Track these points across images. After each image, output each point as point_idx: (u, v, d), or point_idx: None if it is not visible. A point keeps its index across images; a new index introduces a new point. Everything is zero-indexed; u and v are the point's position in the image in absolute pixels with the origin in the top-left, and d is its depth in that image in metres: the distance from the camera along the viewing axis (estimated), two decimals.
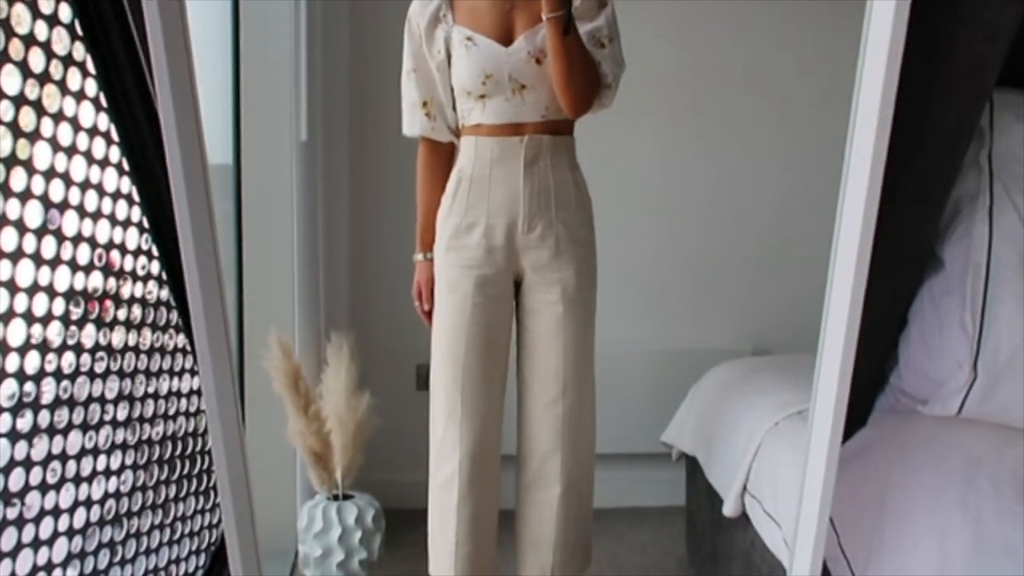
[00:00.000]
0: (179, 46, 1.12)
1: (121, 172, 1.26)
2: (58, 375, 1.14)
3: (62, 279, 1.14)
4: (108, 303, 1.25)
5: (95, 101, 1.20)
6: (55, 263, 1.12)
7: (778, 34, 2.56)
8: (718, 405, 2.03)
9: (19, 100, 1.05)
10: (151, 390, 1.37)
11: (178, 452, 1.47)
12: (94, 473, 1.23)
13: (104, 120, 1.22)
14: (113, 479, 1.29)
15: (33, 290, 1.08)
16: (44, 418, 1.12)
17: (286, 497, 2.18)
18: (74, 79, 1.15)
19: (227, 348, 1.27)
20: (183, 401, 1.47)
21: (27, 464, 1.09)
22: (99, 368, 1.24)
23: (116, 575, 1.30)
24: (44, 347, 1.11)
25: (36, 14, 1.08)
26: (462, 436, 1.72)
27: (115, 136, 1.24)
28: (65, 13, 1.14)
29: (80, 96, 1.16)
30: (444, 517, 1.77)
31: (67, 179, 1.14)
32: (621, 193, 2.53)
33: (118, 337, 1.28)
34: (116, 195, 1.25)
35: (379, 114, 2.46)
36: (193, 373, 1.48)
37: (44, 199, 1.10)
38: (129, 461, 1.33)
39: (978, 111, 1.21)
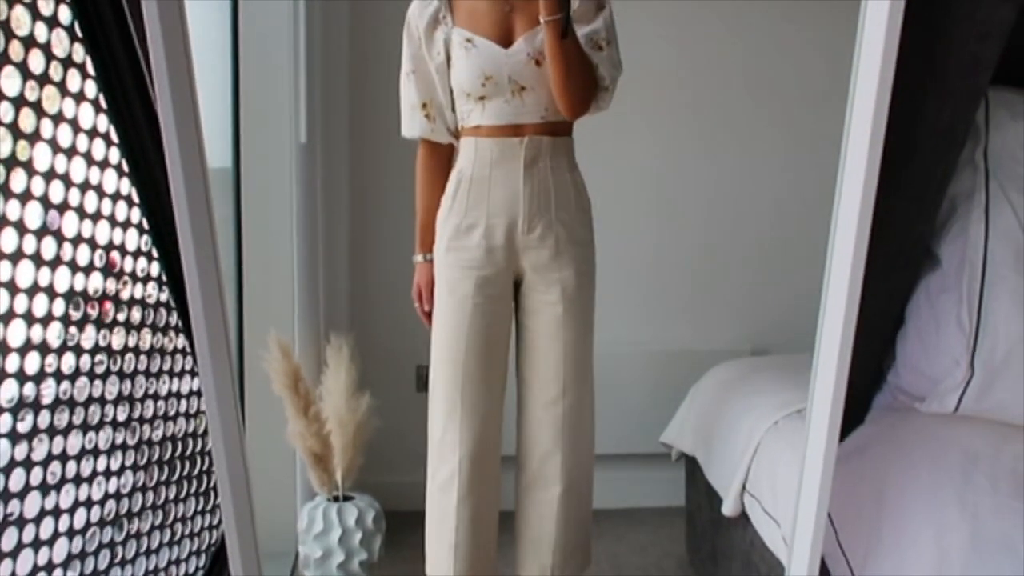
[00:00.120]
0: (179, 48, 1.12)
1: (121, 173, 1.26)
2: (58, 376, 1.15)
3: (62, 280, 1.14)
4: (108, 304, 1.26)
5: (95, 103, 1.20)
6: (55, 264, 1.12)
7: (776, 34, 2.57)
8: (718, 405, 2.03)
9: (19, 102, 1.05)
10: (151, 391, 1.38)
11: (178, 453, 1.47)
12: (94, 474, 1.24)
13: (104, 121, 1.22)
14: (113, 480, 1.29)
15: (33, 291, 1.09)
16: (44, 419, 1.12)
17: (286, 498, 2.18)
18: (74, 81, 1.16)
19: (227, 350, 1.27)
20: (183, 402, 1.47)
21: (27, 464, 1.09)
22: (99, 369, 1.24)
23: (116, 574, 1.30)
24: (44, 348, 1.11)
25: (36, 16, 1.09)
26: (462, 437, 1.73)
27: (115, 137, 1.25)
28: (65, 15, 1.14)
29: (80, 98, 1.17)
30: (443, 518, 1.77)
31: (67, 180, 1.15)
32: (620, 194, 2.53)
33: (118, 338, 1.28)
34: (116, 196, 1.26)
35: (378, 116, 2.47)
36: (193, 374, 1.48)
37: (44, 200, 1.10)
38: (129, 462, 1.33)
39: (973, 110, 1.21)
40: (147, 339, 1.36)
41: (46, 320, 1.12)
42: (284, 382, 1.93)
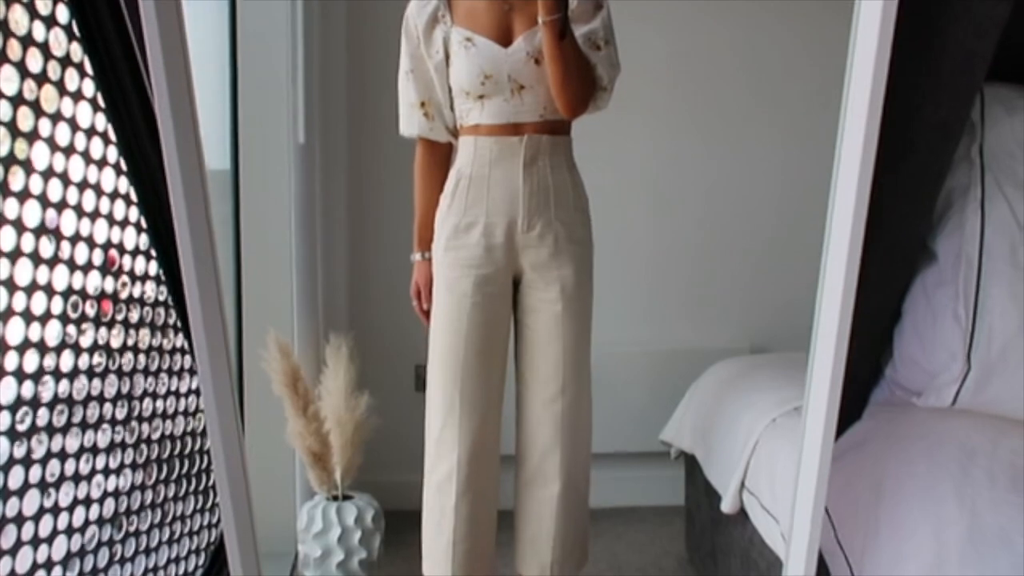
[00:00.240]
0: (176, 49, 1.12)
1: (119, 172, 1.27)
2: (56, 375, 1.15)
3: (60, 279, 1.15)
4: (107, 303, 1.26)
5: (93, 101, 1.21)
6: (53, 262, 1.13)
7: (773, 33, 2.57)
8: (716, 403, 2.04)
9: (17, 100, 1.06)
10: (150, 390, 1.38)
11: (177, 452, 1.47)
12: (93, 472, 1.24)
13: (102, 120, 1.23)
14: (112, 478, 1.29)
15: (31, 289, 1.09)
16: (43, 417, 1.13)
17: (285, 498, 2.18)
18: (72, 80, 1.16)
19: (226, 350, 1.27)
20: (182, 401, 1.48)
21: (26, 463, 1.09)
22: (98, 368, 1.24)
23: (115, 574, 1.31)
24: (42, 346, 1.12)
25: (34, 15, 1.09)
26: (460, 434, 1.73)
27: (113, 136, 1.25)
28: (63, 14, 1.15)
29: (78, 96, 1.17)
30: (441, 516, 1.77)
31: (65, 179, 1.15)
32: (619, 193, 2.54)
33: (116, 337, 1.29)
34: (114, 195, 1.26)
35: (377, 115, 2.48)
36: (192, 373, 1.48)
37: (42, 199, 1.11)
38: (128, 461, 1.33)
39: (968, 105, 1.22)
40: (146, 338, 1.36)
41: (44, 319, 1.12)
42: (283, 381, 1.93)
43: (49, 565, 1.14)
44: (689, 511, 2.27)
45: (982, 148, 1.31)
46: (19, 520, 1.08)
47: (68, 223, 1.16)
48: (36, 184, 1.09)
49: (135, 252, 1.32)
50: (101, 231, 1.23)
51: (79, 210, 1.18)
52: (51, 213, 1.12)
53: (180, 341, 1.44)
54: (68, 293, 1.16)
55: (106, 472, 1.27)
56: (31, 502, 1.11)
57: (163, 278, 1.38)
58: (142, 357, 1.35)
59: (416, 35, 1.72)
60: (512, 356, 1.82)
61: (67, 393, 1.17)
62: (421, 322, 1.85)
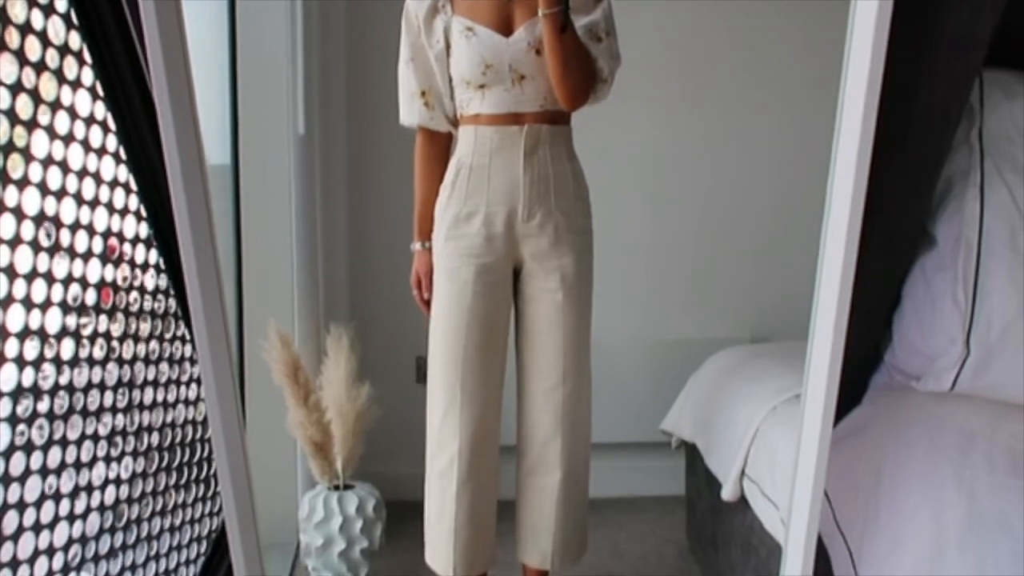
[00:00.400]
0: (175, 45, 1.12)
1: (118, 160, 1.27)
2: (57, 362, 1.15)
3: (60, 266, 1.15)
4: (108, 291, 1.26)
5: (92, 90, 1.21)
6: (53, 250, 1.13)
7: (772, 22, 2.56)
8: (717, 391, 2.04)
9: (16, 88, 1.06)
10: (150, 378, 1.38)
11: (178, 440, 1.48)
12: (94, 459, 1.24)
13: (101, 109, 1.23)
14: (114, 466, 1.30)
15: (32, 277, 1.09)
16: (44, 404, 1.13)
17: (287, 487, 2.19)
18: (71, 68, 1.16)
19: (226, 338, 1.27)
20: (183, 389, 1.48)
21: (27, 449, 1.10)
22: (98, 355, 1.25)
23: (117, 560, 1.31)
24: (43, 334, 1.12)
25: (32, 3, 1.09)
26: (461, 424, 1.73)
27: (112, 125, 1.25)
28: (61, 2, 1.15)
29: (77, 85, 1.17)
30: (442, 505, 1.78)
31: (65, 167, 1.15)
32: (619, 183, 2.53)
33: (117, 325, 1.29)
34: (114, 183, 1.27)
35: (376, 105, 2.47)
36: (193, 362, 1.49)
37: (42, 186, 1.11)
38: (129, 448, 1.34)
39: (967, 89, 1.21)
40: (146, 326, 1.37)
41: (45, 306, 1.12)
42: (284, 371, 1.93)
43: (51, 551, 1.15)
44: (690, 500, 2.27)
45: (981, 133, 1.31)
46: (20, 506, 1.09)
47: (68, 211, 1.16)
48: (36, 172, 1.10)
49: (135, 240, 1.33)
50: (101, 219, 1.23)
51: (79, 198, 1.18)
52: (49, 228, 1.12)
53: (181, 330, 1.45)
54: (68, 281, 1.17)
55: (107, 460, 1.28)
56: (32, 488, 1.11)
57: (163, 267, 1.39)
58: (143, 345, 1.36)
59: (416, 24, 1.72)
60: (513, 346, 1.83)
61: (68, 381, 1.18)
62: (422, 313, 1.85)
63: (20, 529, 1.09)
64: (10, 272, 1.05)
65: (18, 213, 1.06)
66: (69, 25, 1.16)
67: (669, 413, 2.27)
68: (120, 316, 1.29)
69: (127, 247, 1.31)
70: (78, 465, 1.20)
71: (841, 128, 1.08)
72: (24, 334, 1.08)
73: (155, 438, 1.42)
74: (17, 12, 1.07)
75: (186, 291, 1.23)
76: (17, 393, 1.08)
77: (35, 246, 1.10)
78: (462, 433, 1.73)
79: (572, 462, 1.80)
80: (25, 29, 1.07)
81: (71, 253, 1.17)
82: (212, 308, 1.24)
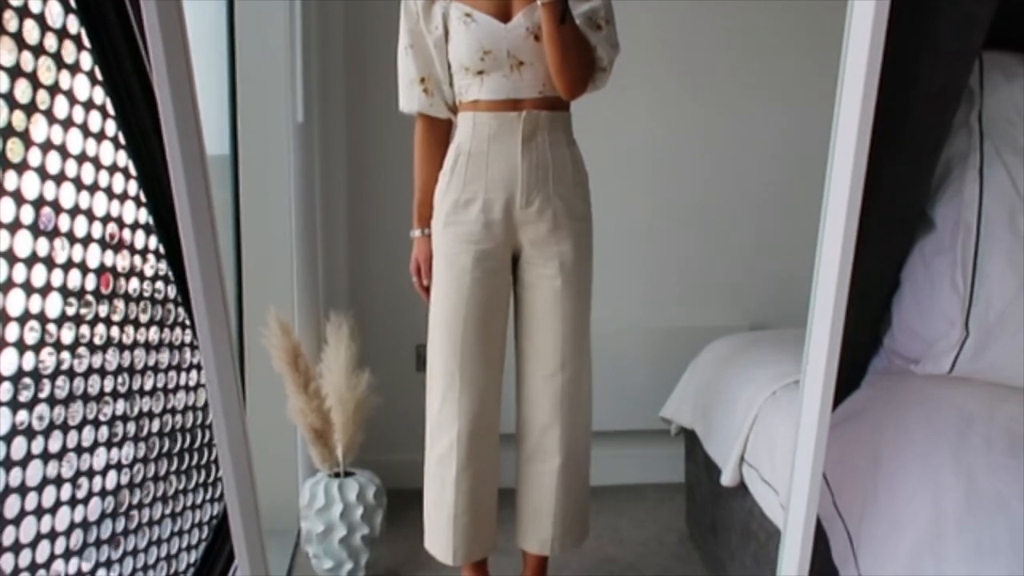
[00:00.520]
0: (175, 27, 1.12)
1: (117, 146, 1.27)
2: (58, 346, 1.15)
3: (60, 251, 1.15)
4: (108, 276, 1.26)
5: (90, 74, 1.20)
6: (53, 235, 1.13)
7: (772, 6, 2.55)
8: (716, 378, 2.04)
9: (15, 72, 1.06)
10: (151, 363, 1.39)
11: (179, 426, 1.48)
12: (95, 444, 1.25)
13: (100, 93, 1.23)
14: (115, 451, 1.30)
15: (31, 261, 1.09)
16: (45, 389, 1.13)
17: (288, 475, 2.19)
18: (69, 52, 1.16)
19: (227, 325, 1.27)
20: (183, 375, 1.48)
21: (29, 433, 1.10)
22: (99, 340, 1.25)
23: (120, 543, 1.32)
24: (43, 318, 1.12)
25: None
26: (460, 409, 1.74)
27: (111, 110, 1.25)
28: None
29: (75, 69, 1.17)
30: (442, 490, 1.79)
31: (64, 151, 1.15)
32: (617, 170, 2.53)
33: (118, 310, 1.29)
34: (113, 168, 1.26)
35: (376, 92, 2.47)
36: (193, 347, 1.49)
37: (41, 171, 1.11)
38: (130, 434, 1.34)
39: (966, 70, 1.21)
40: (146, 312, 1.37)
41: (45, 291, 1.12)
42: (284, 359, 1.93)
43: (53, 536, 1.15)
44: (689, 487, 2.28)
45: (981, 115, 1.31)
46: (22, 490, 1.09)
47: (67, 196, 1.16)
48: (35, 156, 1.09)
49: (135, 226, 1.33)
50: (100, 205, 1.23)
51: (78, 183, 1.18)
52: (48, 214, 1.12)
53: (181, 315, 1.45)
54: (68, 266, 1.17)
55: (108, 445, 1.28)
56: (34, 473, 1.12)
57: (163, 252, 1.39)
58: (143, 331, 1.36)
59: (415, 11, 1.72)
60: (512, 332, 1.83)
61: (69, 366, 1.18)
62: (421, 302, 1.85)
63: (22, 513, 1.09)
64: (10, 257, 1.06)
65: (17, 197, 1.06)
66: (67, 9, 1.16)
67: (669, 400, 2.28)
68: (120, 302, 1.29)
69: (127, 233, 1.31)
70: (79, 450, 1.21)
71: (840, 113, 1.08)
72: (24, 319, 1.08)
73: (156, 424, 1.42)
74: None
75: (186, 277, 1.23)
76: (18, 378, 1.08)
77: (35, 231, 1.10)
78: (461, 419, 1.74)
79: (571, 448, 1.81)
80: (23, 12, 1.07)
81: (71, 238, 1.17)
82: (212, 295, 1.24)
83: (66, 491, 1.18)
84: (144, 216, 1.34)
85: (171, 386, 1.46)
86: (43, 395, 1.13)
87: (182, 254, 1.22)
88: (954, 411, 1.24)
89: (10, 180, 1.05)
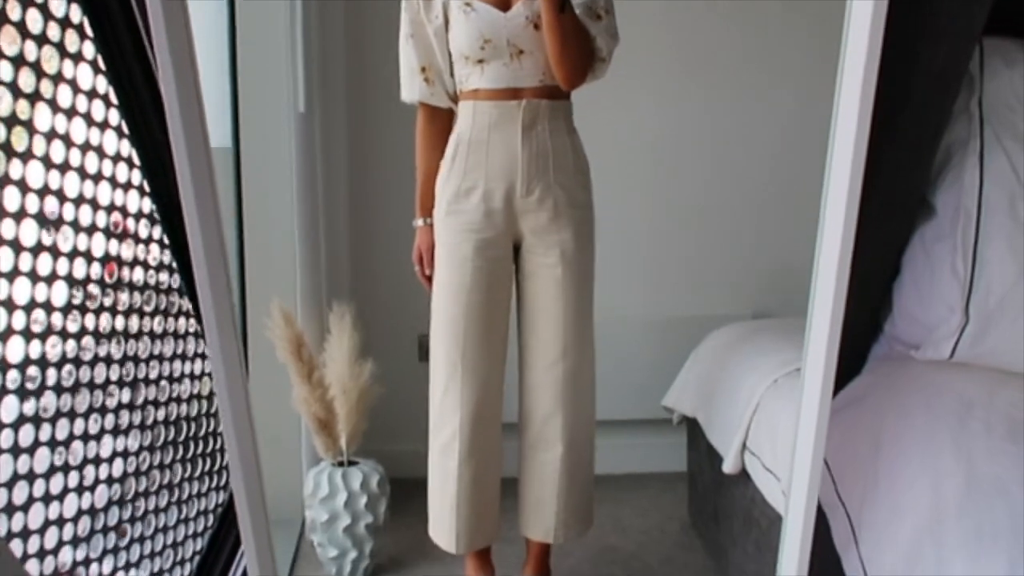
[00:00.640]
0: (179, 19, 1.12)
1: (121, 135, 1.27)
2: (64, 335, 1.16)
3: (65, 240, 1.16)
4: (112, 265, 1.27)
5: (93, 64, 1.21)
6: (58, 224, 1.14)
7: None
8: (718, 366, 2.05)
9: (19, 62, 1.06)
10: (155, 352, 1.40)
11: (183, 414, 1.49)
12: (102, 431, 1.26)
13: (103, 83, 1.23)
14: (121, 439, 1.31)
15: (37, 250, 1.10)
16: (51, 377, 1.14)
17: (292, 464, 2.20)
18: (72, 41, 1.16)
19: (232, 314, 1.27)
20: (187, 364, 1.49)
21: (36, 421, 1.11)
22: (104, 329, 1.26)
23: (126, 531, 1.33)
24: (49, 306, 1.13)
25: None
26: (462, 398, 1.74)
27: (114, 99, 1.25)
28: None
29: (78, 58, 1.18)
30: (445, 479, 1.79)
31: (68, 141, 1.16)
32: (619, 158, 2.53)
33: (122, 299, 1.30)
34: (116, 158, 1.27)
35: (377, 82, 2.47)
36: (197, 337, 1.50)
37: (46, 160, 1.11)
38: (136, 422, 1.35)
39: (966, 55, 1.21)
40: (150, 301, 1.38)
41: (51, 279, 1.13)
42: (288, 349, 1.94)
43: (60, 522, 1.16)
44: (691, 475, 2.29)
45: (981, 101, 1.31)
46: (30, 477, 1.10)
47: (71, 185, 1.17)
48: (39, 145, 1.10)
49: (139, 215, 1.33)
50: (104, 194, 1.24)
51: (82, 172, 1.19)
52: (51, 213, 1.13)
53: (185, 305, 1.46)
54: (73, 255, 1.18)
55: (115, 433, 1.29)
56: (41, 460, 1.13)
57: (166, 242, 1.39)
58: (147, 320, 1.37)
59: (416, 0, 1.72)
60: (515, 321, 1.83)
61: (74, 354, 1.19)
62: (424, 292, 1.86)
63: (30, 500, 1.10)
64: (15, 245, 1.06)
65: (22, 186, 1.07)
66: None
67: (671, 389, 2.28)
68: (125, 291, 1.30)
69: (130, 222, 1.32)
70: (86, 437, 1.22)
71: (840, 100, 1.08)
72: (30, 307, 1.09)
73: (160, 413, 1.43)
74: None
75: (189, 266, 1.24)
76: (25, 366, 1.09)
77: (40, 220, 1.10)
78: (463, 407, 1.75)
79: (574, 437, 1.81)
80: (26, 2, 1.07)
81: (75, 227, 1.18)
82: (218, 283, 1.24)
83: (73, 478, 1.19)
84: (148, 205, 1.35)
85: (175, 375, 1.47)
86: (50, 383, 1.14)
87: (185, 243, 1.23)
88: (954, 396, 1.25)
89: (15, 169, 1.06)
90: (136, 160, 1.31)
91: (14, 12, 1.05)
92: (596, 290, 1.83)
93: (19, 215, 1.06)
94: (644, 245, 2.63)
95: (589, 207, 1.78)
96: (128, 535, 1.34)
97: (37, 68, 1.10)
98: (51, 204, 1.13)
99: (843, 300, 1.10)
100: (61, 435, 1.16)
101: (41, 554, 1.12)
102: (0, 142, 1.02)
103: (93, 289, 1.23)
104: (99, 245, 1.23)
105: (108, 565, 1.28)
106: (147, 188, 1.35)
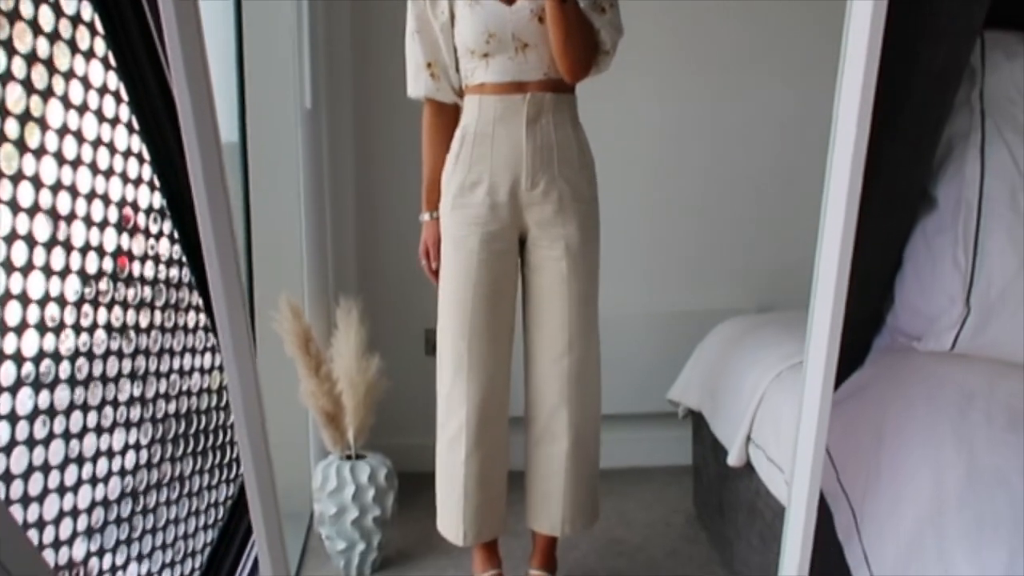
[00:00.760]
0: (190, 16, 1.13)
1: (131, 131, 1.29)
2: (77, 328, 1.18)
3: (78, 234, 1.18)
4: (123, 258, 1.29)
5: (104, 60, 1.23)
6: (71, 219, 1.16)
7: None
8: (723, 359, 2.06)
9: (31, 58, 1.08)
10: (166, 346, 1.41)
11: (193, 407, 1.51)
12: (114, 424, 1.28)
13: (114, 79, 1.25)
14: (133, 431, 1.33)
15: (51, 245, 1.12)
16: (64, 370, 1.16)
17: (300, 458, 2.22)
18: (83, 38, 1.18)
19: (243, 307, 1.29)
20: (197, 357, 1.51)
21: (51, 413, 1.13)
22: (116, 323, 1.28)
23: (138, 523, 1.35)
24: (62, 300, 1.15)
25: None
26: (469, 391, 1.76)
27: (125, 95, 1.27)
28: None
29: (90, 55, 1.19)
30: (452, 472, 1.81)
31: (80, 136, 1.17)
32: (623, 152, 2.53)
33: (133, 293, 1.32)
34: (127, 153, 1.29)
35: (383, 77, 2.48)
36: (206, 330, 1.52)
37: (58, 156, 1.13)
38: (148, 415, 1.37)
39: (967, 49, 1.22)
40: (161, 295, 1.40)
41: (64, 274, 1.15)
42: (296, 343, 1.96)
43: (75, 513, 1.18)
44: (696, 468, 2.30)
45: (982, 94, 1.32)
46: (45, 469, 1.12)
47: (83, 180, 1.19)
48: (52, 141, 1.12)
49: (149, 210, 1.35)
50: (116, 189, 1.25)
51: (94, 167, 1.20)
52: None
53: (195, 299, 1.47)
54: (85, 250, 1.19)
55: (127, 425, 1.31)
56: (56, 451, 1.15)
57: (176, 236, 1.41)
58: (158, 314, 1.39)
59: None
60: (520, 315, 1.85)
61: (87, 346, 1.20)
62: (430, 286, 1.87)
63: (45, 491, 1.12)
64: (30, 240, 1.08)
65: (36, 182, 1.09)
66: None
67: (676, 383, 2.30)
68: (136, 284, 1.32)
69: (141, 217, 1.34)
70: (99, 430, 1.24)
71: (840, 98, 1.09)
72: (44, 301, 1.11)
73: (171, 406, 1.45)
74: None
75: (199, 261, 1.25)
76: (39, 359, 1.11)
77: (53, 215, 1.12)
78: (470, 400, 1.76)
79: (580, 430, 1.83)
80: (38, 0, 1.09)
81: (87, 222, 1.19)
82: (230, 277, 1.25)
83: (87, 470, 1.21)
84: (158, 200, 1.37)
85: (185, 369, 1.49)
86: (64, 376, 1.15)
87: (195, 238, 1.24)
88: (955, 388, 1.26)
89: (28, 165, 1.08)
90: (146, 155, 1.33)
91: (27, 9, 1.07)
92: (601, 285, 1.84)
93: (32, 210, 1.08)
94: (649, 239, 2.64)
95: (594, 201, 1.80)
96: (140, 525, 1.36)
97: (49, 65, 1.11)
98: (63, 199, 1.14)
99: (844, 293, 1.12)
100: (75, 428, 1.18)
101: (56, 544, 1.14)
102: (14, 138, 1.04)
103: (105, 284, 1.24)
104: (111, 240, 1.25)
105: (121, 556, 1.30)
106: (157, 183, 1.36)
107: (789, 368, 1.73)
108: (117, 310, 1.28)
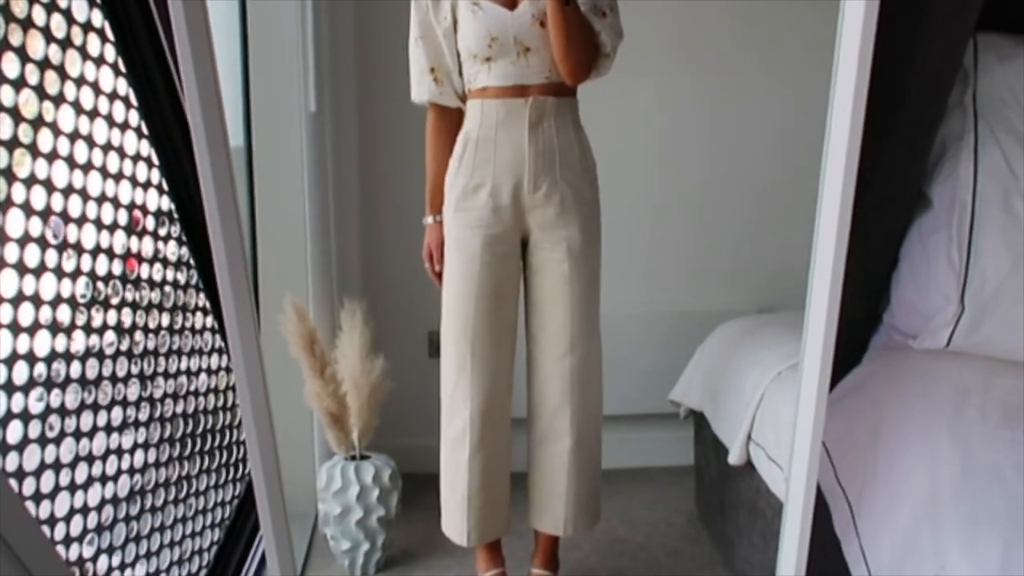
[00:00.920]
0: (200, 21, 1.15)
1: (140, 135, 1.31)
2: (87, 329, 1.20)
3: (88, 237, 1.20)
4: (132, 261, 1.31)
5: (114, 66, 1.25)
6: (81, 221, 1.18)
7: None
8: (724, 360, 2.08)
9: (44, 64, 1.10)
10: (174, 347, 1.44)
11: (200, 408, 1.53)
12: (124, 423, 1.30)
13: (123, 85, 1.27)
14: (142, 431, 1.35)
15: (62, 247, 1.14)
16: (76, 370, 1.18)
17: (305, 458, 2.24)
18: (93, 45, 1.20)
19: (251, 309, 1.31)
20: (204, 358, 1.53)
21: (62, 412, 1.15)
22: (126, 324, 1.30)
23: (147, 520, 1.37)
24: (73, 301, 1.17)
25: None
26: (472, 392, 1.78)
27: (134, 101, 1.29)
28: None
29: (100, 61, 1.22)
30: (456, 472, 1.83)
31: (90, 141, 1.20)
32: (624, 155, 2.55)
33: (142, 294, 1.34)
34: (136, 157, 1.31)
35: (387, 81, 2.50)
36: (213, 332, 1.54)
37: (70, 160, 1.16)
38: (156, 415, 1.39)
39: (960, 51, 1.24)
40: (169, 296, 1.42)
41: (75, 275, 1.17)
42: (301, 344, 1.98)
43: (85, 511, 1.20)
44: (698, 468, 2.32)
45: (975, 95, 1.34)
46: (56, 467, 1.14)
47: (94, 184, 1.21)
48: (63, 146, 1.14)
49: (158, 213, 1.37)
50: (125, 192, 1.28)
51: (104, 172, 1.23)
52: (56, 224, 1.16)
53: (202, 301, 1.50)
54: (96, 252, 1.22)
55: (136, 425, 1.33)
56: (67, 450, 1.17)
57: (184, 239, 1.43)
58: (166, 315, 1.41)
59: (425, 2, 1.76)
60: (523, 316, 1.87)
61: (97, 348, 1.23)
62: (434, 288, 1.89)
63: (56, 488, 1.14)
64: (42, 243, 1.10)
65: (48, 186, 1.11)
66: (92, 3, 1.20)
67: (678, 383, 2.31)
68: (145, 286, 1.34)
69: (150, 220, 1.36)
70: (108, 429, 1.26)
71: (834, 99, 1.11)
72: (56, 302, 1.13)
73: (179, 406, 1.47)
74: None
75: (206, 263, 1.28)
76: (51, 359, 1.13)
77: (64, 217, 1.14)
78: (473, 400, 1.78)
79: (582, 430, 1.84)
80: (50, 7, 1.11)
81: (98, 224, 1.22)
82: (238, 279, 1.27)
83: (97, 468, 1.23)
84: (166, 204, 1.39)
85: (193, 369, 1.51)
86: (75, 376, 1.18)
87: (202, 240, 1.26)
88: (950, 385, 1.28)
89: (40, 169, 1.10)
90: (155, 160, 1.35)
91: (39, 17, 1.09)
92: (602, 286, 1.85)
93: (45, 214, 1.11)
94: (650, 241, 2.66)
95: (595, 203, 1.82)
96: (149, 523, 1.38)
97: (61, 71, 1.14)
98: (74, 202, 1.17)
99: (839, 292, 1.13)
100: (85, 427, 1.20)
101: (67, 541, 1.16)
102: (27, 143, 1.06)
103: (114, 285, 1.27)
104: (120, 242, 1.27)
105: (129, 554, 1.32)
106: (165, 187, 1.39)
107: (789, 368, 1.75)
108: (126, 312, 1.30)
